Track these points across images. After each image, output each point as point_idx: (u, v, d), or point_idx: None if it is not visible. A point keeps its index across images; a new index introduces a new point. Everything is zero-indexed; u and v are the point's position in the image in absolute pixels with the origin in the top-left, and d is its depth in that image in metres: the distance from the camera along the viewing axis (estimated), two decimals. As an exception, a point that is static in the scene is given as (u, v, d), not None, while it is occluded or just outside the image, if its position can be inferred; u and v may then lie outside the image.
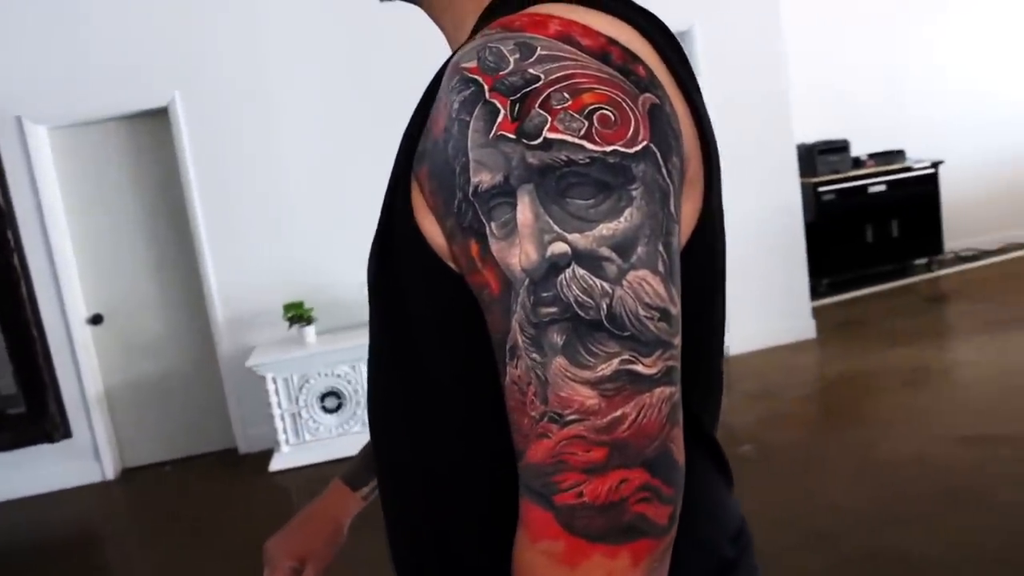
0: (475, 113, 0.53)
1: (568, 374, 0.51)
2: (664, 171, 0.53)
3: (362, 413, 4.33)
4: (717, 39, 4.83)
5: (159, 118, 4.46)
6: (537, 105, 0.52)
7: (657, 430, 0.51)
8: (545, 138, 0.51)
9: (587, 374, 0.51)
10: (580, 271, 0.51)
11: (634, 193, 0.52)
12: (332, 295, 4.54)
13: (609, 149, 0.51)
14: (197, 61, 4.42)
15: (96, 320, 4.57)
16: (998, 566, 2.53)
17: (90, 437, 4.53)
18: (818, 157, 6.19)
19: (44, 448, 4.46)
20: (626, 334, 0.51)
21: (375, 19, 4.47)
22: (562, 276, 0.51)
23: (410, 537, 0.73)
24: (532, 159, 0.51)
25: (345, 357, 4.29)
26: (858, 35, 6.45)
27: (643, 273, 0.51)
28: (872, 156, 6.41)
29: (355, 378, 4.32)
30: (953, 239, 6.59)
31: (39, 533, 4.08)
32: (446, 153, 0.55)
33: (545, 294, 0.51)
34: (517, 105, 0.52)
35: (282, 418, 4.29)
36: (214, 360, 4.62)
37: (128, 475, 4.63)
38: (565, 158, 0.51)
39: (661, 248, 0.52)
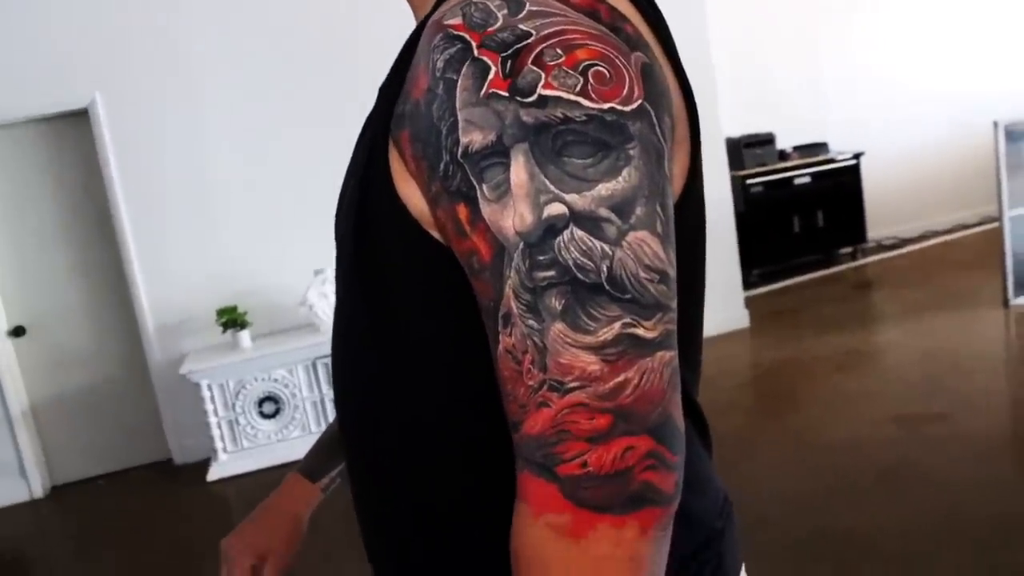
0: (463, 71, 0.51)
1: (568, 339, 0.49)
2: (658, 130, 0.52)
3: (301, 417, 4.26)
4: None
5: (80, 119, 4.29)
6: (530, 61, 0.50)
7: (660, 395, 0.50)
8: (540, 95, 0.49)
9: (588, 339, 0.49)
10: (579, 232, 0.49)
11: (632, 152, 0.50)
12: (266, 298, 4.44)
13: (606, 106, 0.49)
14: (118, 60, 4.27)
15: (18, 332, 4.36)
16: (936, 539, 2.61)
17: (15, 454, 4.33)
18: (744, 151, 6.31)
19: (-35, 468, 4.26)
20: (627, 297, 0.49)
21: (301, 11, 4.40)
22: (560, 238, 0.49)
23: (388, 515, 0.70)
24: (527, 117, 0.49)
25: (282, 361, 4.21)
26: (780, 33, 6.61)
27: (642, 234, 0.50)
28: (796, 149, 6.58)
29: (292, 382, 4.24)
30: (875, 228, 6.81)
31: (-38, 557, 3.89)
32: (430, 114, 0.53)
33: (542, 257, 0.49)
34: (509, 61, 0.50)
35: (218, 426, 4.18)
36: (145, 369, 4.46)
37: (58, 492, 4.44)
38: (561, 115, 0.49)
39: (659, 209, 0.51)
